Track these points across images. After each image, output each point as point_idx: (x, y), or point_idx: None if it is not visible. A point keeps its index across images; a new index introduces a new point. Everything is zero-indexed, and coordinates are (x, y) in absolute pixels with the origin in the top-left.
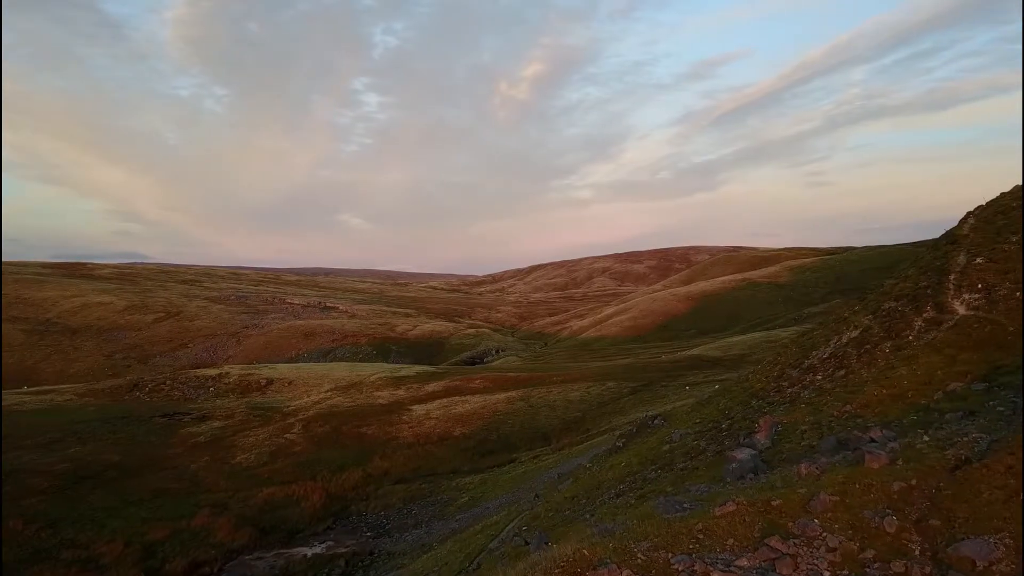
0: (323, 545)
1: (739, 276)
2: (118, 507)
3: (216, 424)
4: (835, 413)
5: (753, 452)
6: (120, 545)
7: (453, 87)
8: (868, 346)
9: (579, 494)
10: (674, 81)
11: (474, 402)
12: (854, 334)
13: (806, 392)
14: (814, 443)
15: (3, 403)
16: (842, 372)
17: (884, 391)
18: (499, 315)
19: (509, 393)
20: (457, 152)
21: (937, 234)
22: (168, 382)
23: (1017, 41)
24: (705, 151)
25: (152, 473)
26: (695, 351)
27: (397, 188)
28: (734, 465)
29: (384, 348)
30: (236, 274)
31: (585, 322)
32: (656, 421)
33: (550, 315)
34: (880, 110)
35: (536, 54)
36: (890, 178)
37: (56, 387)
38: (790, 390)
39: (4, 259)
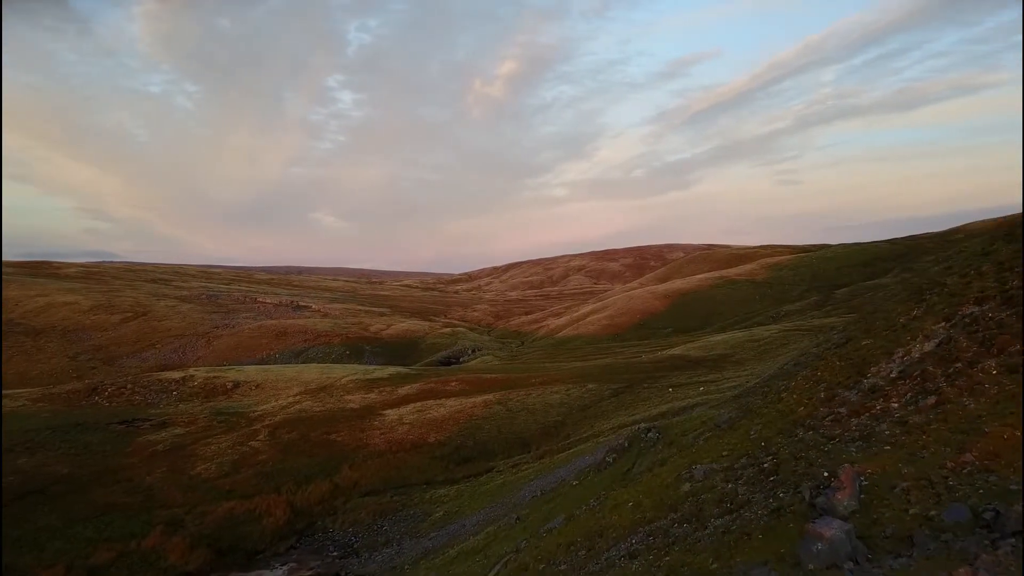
0: (285, 568)
1: (716, 274)
2: (63, 526)
3: (177, 431)
4: (948, 464)
5: (845, 527)
6: (61, 570)
7: (428, 85)
8: (959, 364)
9: (576, 541)
10: (647, 80)
11: (450, 406)
12: (929, 347)
13: (883, 426)
14: (930, 512)
15: None
16: (931, 400)
17: (1019, 434)
18: (475, 314)
19: (486, 396)
20: (432, 150)
21: (910, 231)
22: (129, 386)
23: (982, 43)
24: (678, 150)
25: (103, 487)
26: (676, 351)
27: (372, 186)
28: (820, 547)
29: (357, 348)
30: (207, 273)
31: (562, 320)
32: (650, 435)
33: (527, 313)
34: (851, 110)
35: (510, 52)
36: (860, 177)
37: (10, 392)
38: (855, 421)
39: None
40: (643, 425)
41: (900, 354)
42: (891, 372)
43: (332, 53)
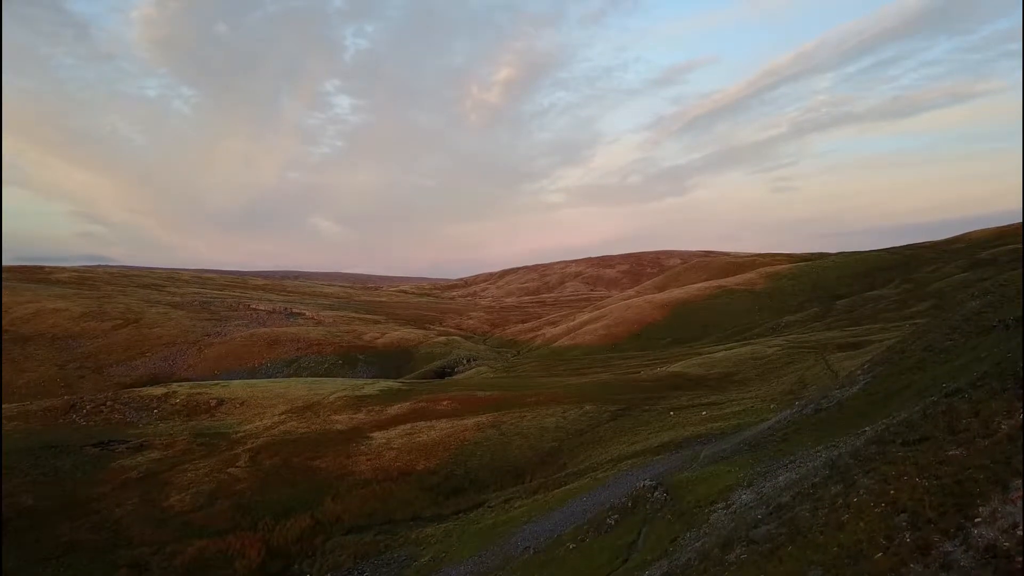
0: None
1: (714, 283)
2: (20, 568)
3: (153, 455)
4: None
5: None
6: None
7: (425, 90)
8: None
9: None
10: (644, 86)
11: (440, 428)
12: None
13: None
14: None
15: None
16: None
17: None
18: (471, 321)
19: (479, 418)
20: (429, 155)
21: (904, 238)
22: (108, 403)
23: (976, 51)
24: (675, 156)
25: (69, 521)
26: (676, 367)
27: (368, 191)
28: None
29: (351, 357)
30: (201, 278)
31: (558, 330)
32: (656, 494)
33: (523, 321)
34: (845, 117)
35: (507, 58)
36: (855, 184)
37: None
38: None
39: None
40: (648, 483)
41: (1022, 491)
42: (1016, 524)
43: (329, 58)
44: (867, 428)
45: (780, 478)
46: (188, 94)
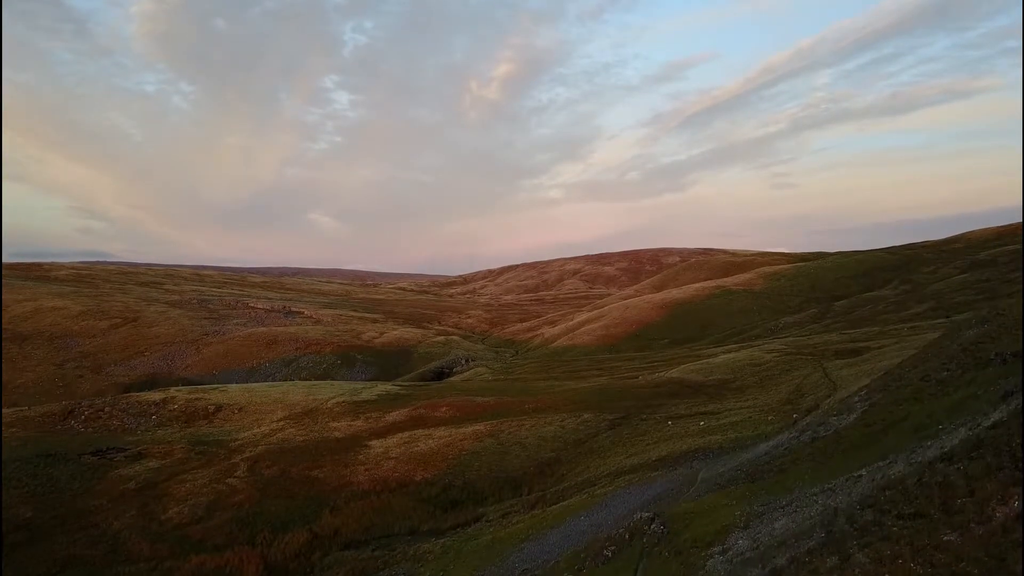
0: None
1: (712, 283)
2: None
3: (151, 464)
4: None
5: None
6: None
7: (424, 86)
8: None
9: None
10: (642, 83)
11: (438, 437)
12: None
13: None
14: None
15: None
16: None
17: None
18: (469, 320)
19: (477, 426)
20: (428, 151)
21: (903, 235)
22: (107, 408)
23: (974, 48)
24: (673, 152)
25: (66, 535)
26: (674, 373)
27: (368, 187)
28: None
29: (349, 357)
30: (199, 275)
31: (557, 330)
32: (654, 527)
33: (521, 320)
34: (844, 114)
35: (506, 55)
36: (854, 180)
37: None
38: None
39: None
40: (645, 514)
41: None
42: None
43: (328, 54)
44: (863, 472)
45: (777, 524)
46: (187, 90)
